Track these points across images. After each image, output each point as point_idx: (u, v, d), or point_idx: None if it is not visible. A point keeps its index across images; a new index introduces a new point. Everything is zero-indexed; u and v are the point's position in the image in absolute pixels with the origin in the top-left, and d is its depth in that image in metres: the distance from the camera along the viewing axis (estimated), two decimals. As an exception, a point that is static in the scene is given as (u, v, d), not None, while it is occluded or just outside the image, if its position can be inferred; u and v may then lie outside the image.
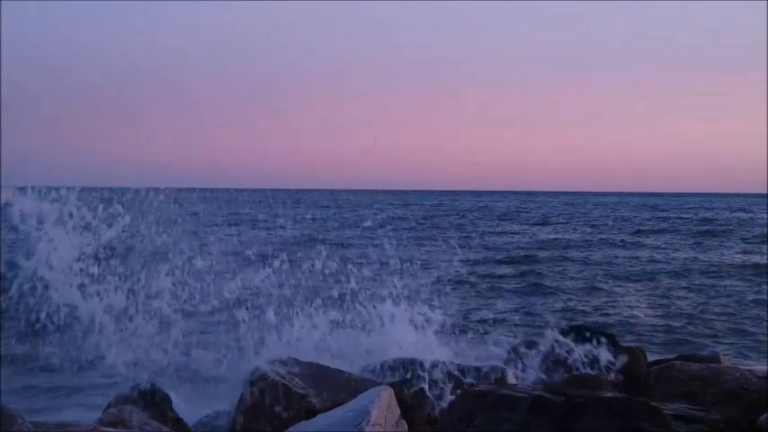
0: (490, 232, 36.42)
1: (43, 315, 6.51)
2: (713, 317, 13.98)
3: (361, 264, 8.14)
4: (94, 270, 6.97)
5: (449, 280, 17.85)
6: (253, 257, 8.31)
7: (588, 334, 6.74)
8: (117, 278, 7.06)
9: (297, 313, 7.15)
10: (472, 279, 18.35)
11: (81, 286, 6.89)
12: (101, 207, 7.28)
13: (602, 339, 6.68)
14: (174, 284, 7.21)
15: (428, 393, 5.60)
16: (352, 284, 7.56)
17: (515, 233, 35.95)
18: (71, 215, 7.06)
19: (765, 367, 6.28)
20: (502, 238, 33.18)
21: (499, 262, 23.09)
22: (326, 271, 7.95)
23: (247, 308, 7.04)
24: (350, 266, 7.85)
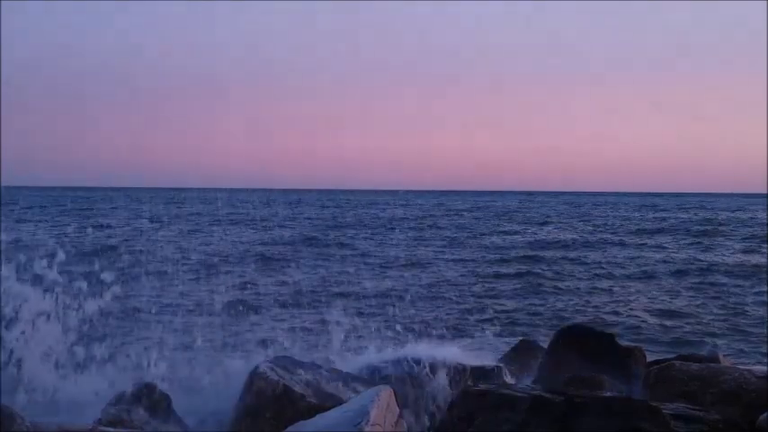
0: (490, 232, 36.43)
1: (22, 399, 5.87)
2: (713, 317, 13.99)
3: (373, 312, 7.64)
4: (79, 350, 6.40)
5: (449, 280, 17.93)
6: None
7: None
8: (104, 355, 6.51)
9: None
10: (472, 279, 18.37)
11: (63, 368, 6.33)
12: (84, 283, 6.70)
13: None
14: (169, 366, 6.55)
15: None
16: (371, 350, 7.13)
17: (515, 233, 35.96)
18: (54, 286, 6.50)
19: (765, 367, 6.26)
20: (501, 237, 33.19)
21: (499, 262, 23.10)
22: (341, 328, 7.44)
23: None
24: (372, 323, 7.56)
